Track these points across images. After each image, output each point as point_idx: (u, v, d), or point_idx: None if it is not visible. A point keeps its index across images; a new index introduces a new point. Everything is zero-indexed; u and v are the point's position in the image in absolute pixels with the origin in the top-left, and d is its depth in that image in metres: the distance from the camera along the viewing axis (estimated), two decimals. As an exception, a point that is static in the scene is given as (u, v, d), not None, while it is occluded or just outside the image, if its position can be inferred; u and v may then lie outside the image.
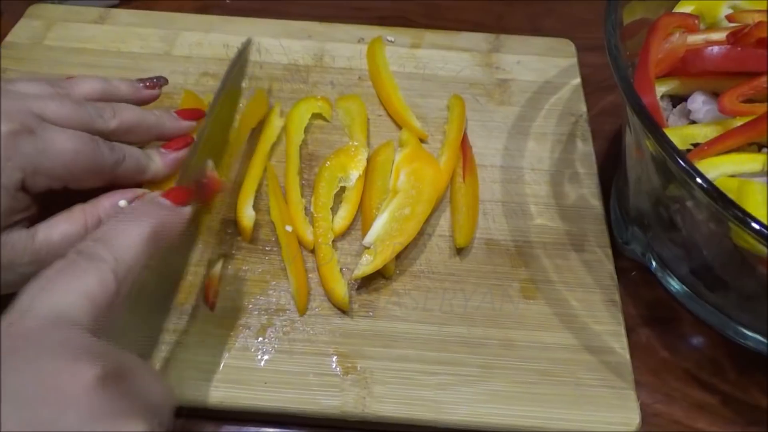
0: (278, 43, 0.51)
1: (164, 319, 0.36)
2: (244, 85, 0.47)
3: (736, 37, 0.35)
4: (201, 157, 0.36)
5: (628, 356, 0.37)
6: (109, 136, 0.35)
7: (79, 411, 0.22)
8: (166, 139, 0.38)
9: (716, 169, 0.33)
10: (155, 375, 0.27)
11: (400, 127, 0.46)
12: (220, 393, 0.34)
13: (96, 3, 0.54)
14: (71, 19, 0.52)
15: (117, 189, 0.35)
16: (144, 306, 0.36)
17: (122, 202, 0.34)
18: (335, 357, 0.36)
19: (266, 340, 0.36)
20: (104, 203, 0.34)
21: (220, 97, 0.40)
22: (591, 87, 0.51)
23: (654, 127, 0.30)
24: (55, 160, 0.32)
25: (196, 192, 0.33)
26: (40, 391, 0.22)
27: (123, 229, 0.27)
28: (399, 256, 0.39)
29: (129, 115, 0.36)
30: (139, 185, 0.37)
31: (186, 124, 0.39)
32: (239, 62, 0.44)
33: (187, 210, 0.31)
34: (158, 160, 0.37)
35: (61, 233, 0.32)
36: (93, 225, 0.33)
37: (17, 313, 0.24)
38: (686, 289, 0.39)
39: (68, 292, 0.25)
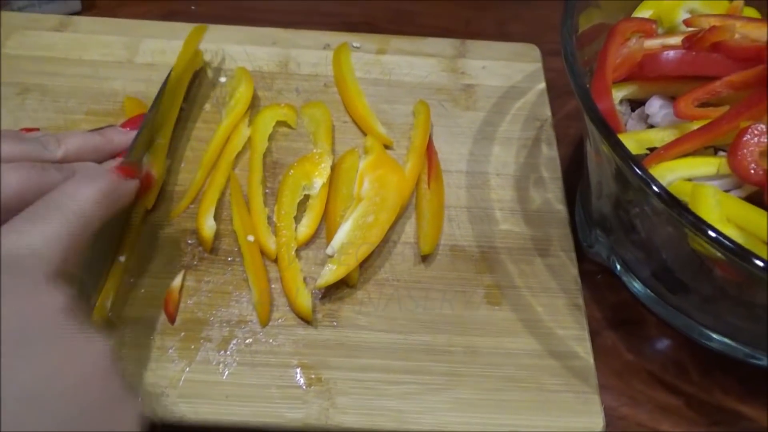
0: (242, 49, 0.50)
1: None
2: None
3: (691, 42, 0.36)
4: (139, 149, 0.38)
5: (591, 360, 0.37)
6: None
7: (46, 326, 0.25)
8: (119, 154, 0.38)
9: (673, 172, 0.33)
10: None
11: (365, 134, 0.46)
12: (181, 408, 0.34)
13: (58, 10, 0.53)
14: (31, 26, 0.51)
15: None
16: None
17: None
18: (299, 368, 0.35)
19: (228, 352, 0.36)
20: None
21: (162, 93, 0.42)
22: (556, 91, 0.51)
23: (608, 133, 0.30)
24: (4, 193, 0.32)
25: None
26: (13, 309, 0.24)
27: (81, 186, 0.31)
28: (363, 264, 0.39)
29: (74, 140, 0.36)
30: None
31: (133, 133, 0.39)
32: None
33: (134, 182, 0.35)
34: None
35: None
36: None
37: None
38: (650, 292, 0.40)
39: (40, 235, 0.28)
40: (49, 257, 0.27)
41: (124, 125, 0.40)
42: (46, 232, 0.28)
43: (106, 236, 0.37)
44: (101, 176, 0.32)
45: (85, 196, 0.30)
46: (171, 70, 0.44)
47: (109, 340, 0.27)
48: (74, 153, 0.36)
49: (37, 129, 0.37)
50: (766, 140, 0.31)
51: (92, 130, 0.39)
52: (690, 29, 0.39)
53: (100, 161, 0.38)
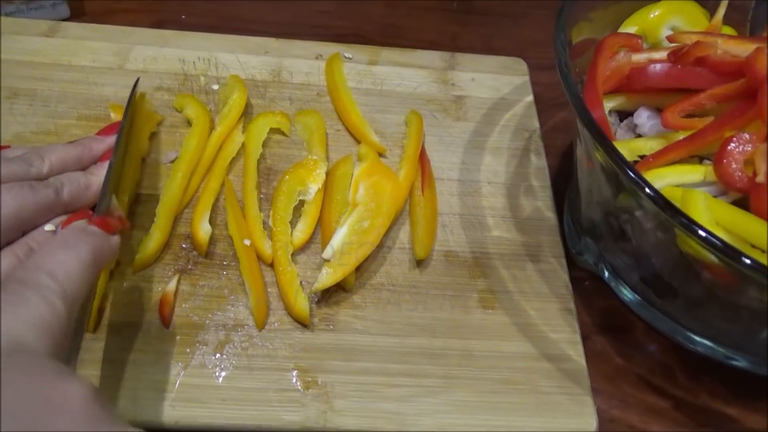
0: (235, 58, 0.51)
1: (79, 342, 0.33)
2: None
3: (676, 56, 0.37)
4: (110, 194, 0.35)
5: (584, 363, 0.38)
6: (46, 178, 0.35)
7: (78, 423, 0.22)
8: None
9: (661, 179, 0.34)
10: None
11: (358, 142, 0.46)
12: (176, 412, 0.33)
13: (45, 16, 0.53)
14: (19, 31, 0.50)
15: None
16: None
17: (48, 227, 0.33)
18: (295, 372, 0.35)
19: (224, 356, 0.35)
20: (31, 235, 0.33)
21: (122, 132, 0.40)
22: (543, 104, 0.52)
23: (604, 140, 0.31)
24: (3, 214, 0.32)
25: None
26: (37, 409, 0.21)
27: (62, 257, 0.27)
28: (359, 269, 0.39)
29: (56, 153, 0.37)
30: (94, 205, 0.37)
31: (111, 140, 0.39)
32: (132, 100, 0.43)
33: (116, 238, 0.32)
34: (97, 171, 0.37)
35: None
36: (26, 256, 0.32)
37: None
38: (638, 297, 0.41)
39: (23, 323, 0.24)
40: (39, 349, 0.24)
41: (99, 133, 0.40)
42: (31, 321, 0.24)
43: None
44: (86, 239, 0.29)
45: (70, 269, 0.27)
46: (125, 116, 0.41)
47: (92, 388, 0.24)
48: (58, 165, 0.37)
49: (8, 147, 0.37)
50: (749, 149, 0.33)
51: (70, 142, 0.39)
52: (673, 45, 0.40)
53: (83, 169, 0.38)
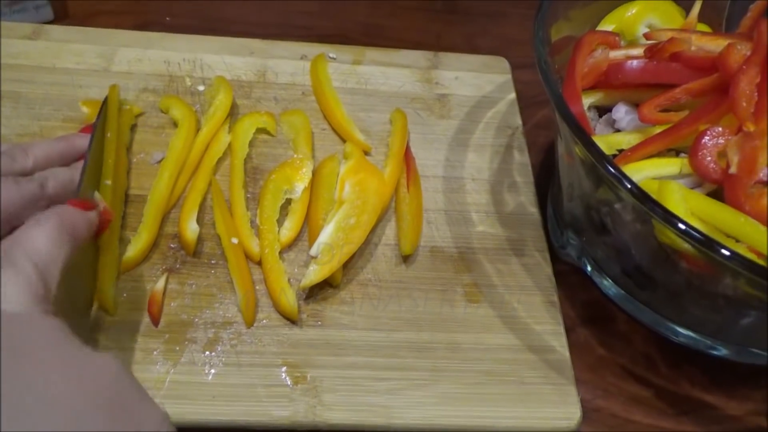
0: (220, 59, 0.51)
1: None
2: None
3: (652, 52, 0.38)
4: (86, 189, 0.36)
5: (567, 354, 0.38)
6: (31, 174, 0.36)
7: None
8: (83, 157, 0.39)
9: (639, 172, 0.35)
10: None
11: (344, 141, 0.47)
12: (167, 409, 0.33)
13: (29, 19, 0.53)
14: (2, 34, 0.50)
15: None
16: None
17: None
18: (284, 368, 0.36)
19: (213, 353, 0.36)
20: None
21: (97, 129, 0.40)
22: (525, 102, 0.53)
23: (582, 134, 0.32)
24: None
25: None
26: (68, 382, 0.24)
27: (33, 231, 0.29)
28: (346, 265, 0.40)
29: (39, 148, 0.37)
30: None
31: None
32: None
33: (91, 214, 0.33)
34: (80, 166, 0.37)
35: None
36: None
37: None
38: (619, 289, 0.42)
39: (7, 295, 0.26)
40: (20, 309, 0.26)
41: (82, 130, 0.40)
42: (8, 293, 0.26)
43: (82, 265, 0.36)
44: (51, 216, 0.30)
45: (40, 240, 0.29)
46: (100, 113, 0.42)
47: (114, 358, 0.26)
48: (43, 161, 0.37)
49: None
50: (723, 141, 0.34)
51: (54, 139, 0.39)
52: (650, 42, 0.41)
53: (67, 165, 0.38)
